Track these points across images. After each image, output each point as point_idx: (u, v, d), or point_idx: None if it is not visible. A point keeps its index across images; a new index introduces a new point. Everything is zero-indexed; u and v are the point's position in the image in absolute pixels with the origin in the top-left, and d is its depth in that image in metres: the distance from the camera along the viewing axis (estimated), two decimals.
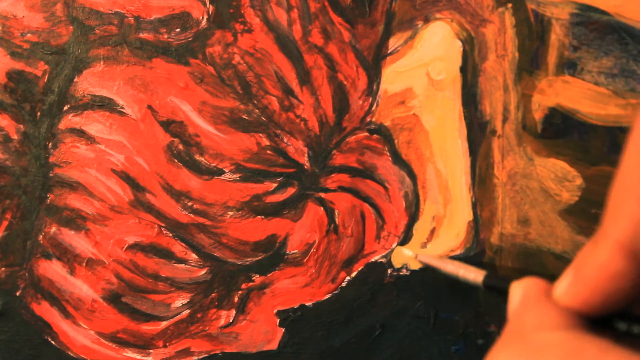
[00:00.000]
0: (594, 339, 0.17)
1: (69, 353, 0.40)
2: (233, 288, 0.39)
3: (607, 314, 0.19)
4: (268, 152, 0.39)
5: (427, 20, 0.39)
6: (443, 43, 0.39)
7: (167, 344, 0.39)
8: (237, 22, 0.39)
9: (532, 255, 0.38)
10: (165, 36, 0.39)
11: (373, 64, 0.39)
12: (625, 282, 0.18)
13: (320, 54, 0.39)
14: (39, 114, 0.40)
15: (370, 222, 0.39)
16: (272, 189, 0.39)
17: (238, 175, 0.39)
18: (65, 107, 0.40)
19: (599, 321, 0.20)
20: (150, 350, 0.40)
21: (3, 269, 0.40)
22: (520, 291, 0.22)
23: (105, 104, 0.39)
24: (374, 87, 0.39)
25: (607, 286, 0.18)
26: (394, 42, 0.39)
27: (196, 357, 0.39)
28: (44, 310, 0.40)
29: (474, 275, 0.32)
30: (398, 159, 0.39)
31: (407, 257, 0.38)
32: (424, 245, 0.39)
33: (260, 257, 0.39)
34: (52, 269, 0.40)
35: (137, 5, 0.40)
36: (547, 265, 0.38)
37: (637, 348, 0.18)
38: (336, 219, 0.39)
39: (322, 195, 0.39)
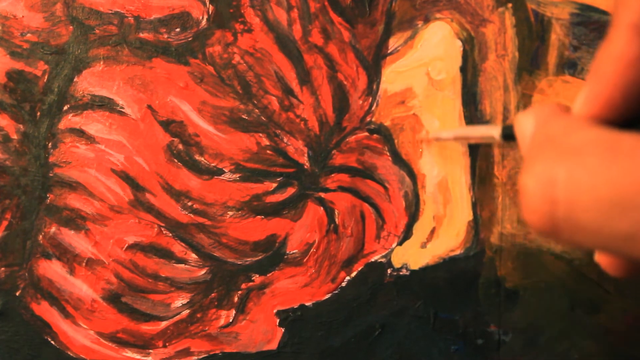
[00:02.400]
0: (629, 132, 0.16)
1: (69, 353, 0.40)
2: (233, 288, 0.39)
3: (633, 117, 0.18)
4: (268, 152, 0.39)
5: (427, 20, 0.39)
6: (443, 43, 0.39)
7: (167, 344, 0.39)
8: (237, 21, 0.39)
9: (532, 255, 0.38)
10: (165, 36, 0.39)
11: (373, 64, 0.39)
12: None
13: (320, 54, 0.39)
14: (38, 113, 0.40)
15: (370, 222, 0.39)
16: (272, 188, 0.39)
17: (238, 175, 0.39)
18: (65, 107, 0.40)
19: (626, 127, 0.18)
20: (150, 350, 0.40)
21: (3, 268, 0.40)
22: (532, 117, 0.20)
23: (105, 104, 0.39)
24: (374, 86, 0.39)
25: (627, 75, 0.17)
26: (394, 42, 0.39)
27: (196, 357, 0.39)
28: (44, 310, 0.40)
29: (489, 130, 0.30)
30: (398, 159, 0.39)
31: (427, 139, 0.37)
32: (423, 245, 0.39)
33: (260, 257, 0.39)
34: (52, 269, 0.40)
35: (136, 5, 0.40)
36: (547, 265, 0.38)
37: None
38: (336, 219, 0.39)
39: (322, 195, 0.39)
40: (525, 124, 0.20)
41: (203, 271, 0.39)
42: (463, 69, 0.39)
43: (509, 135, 0.28)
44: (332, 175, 0.39)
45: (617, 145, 0.16)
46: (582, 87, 0.19)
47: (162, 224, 0.39)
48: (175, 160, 0.39)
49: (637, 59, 0.17)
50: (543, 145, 0.18)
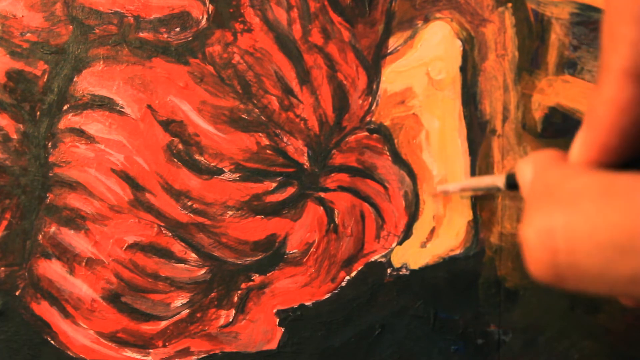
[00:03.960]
0: (625, 173, 0.16)
1: (69, 353, 0.40)
2: (233, 288, 0.39)
3: (630, 158, 0.18)
4: (268, 151, 0.39)
5: (427, 20, 0.39)
6: (443, 43, 0.39)
7: (167, 344, 0.39)
8: (237, 21, 0.39)
9: None
10: (165, 36, 0.39)
11: (373, 64, 0.39)
12: (638, 110, 0.17)
13: (320, 54, 0.39)
14: (38, 113, 0.40)
15: (370, 222, 0.39)
16: (272, 188, 0.39)
17: (238, 175, 0.39)
18: (65, 107, 0.40)
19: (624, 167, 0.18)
20: (150, 350, 0.40)
21: (3, 268, 0.40)
22: (530, 164, 0.20)
23: (104, 104, 0.39)
24: (374, 86, 0.39)
25: (622, 120, 0.17)
26: (393, 42, 0.39)
27: (196, 357, 0.39)
28: (44, 310, 0.40)
29: (494, 180, 0.31)
30: (398, 159, 0.39)
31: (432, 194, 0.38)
32: (423, 245, 0.39)
33: (259, 257, 0.39)
34: (52, 269, 0.40)
35: (136, 4, 0.40)
36: None
37: None
38: (336, 219, 0.39)
39: (322, 194, 0.39)
40: (524, 172, 0.21)
41: (203, 271, 0.39)
42: (463, 69, 0.39)
43: (512, 184, 0.28)
44: (332, 175, 0.39)
45: (613, 187, 0.16)
46: (577, 134, 0.19)
47: (162, 224, 0.39)
48: (175, 160, 0.39)
49: (629, 104, 0.17)
50: (541, 194, 0.18)
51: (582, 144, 0.19)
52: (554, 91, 0.38)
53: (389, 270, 0.39)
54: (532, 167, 0.20)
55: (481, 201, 0.38)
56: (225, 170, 0.39)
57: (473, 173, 0.39)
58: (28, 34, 0.40)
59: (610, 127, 0.18)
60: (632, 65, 0.17)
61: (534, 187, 0.19)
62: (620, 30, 0.17)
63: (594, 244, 0.16)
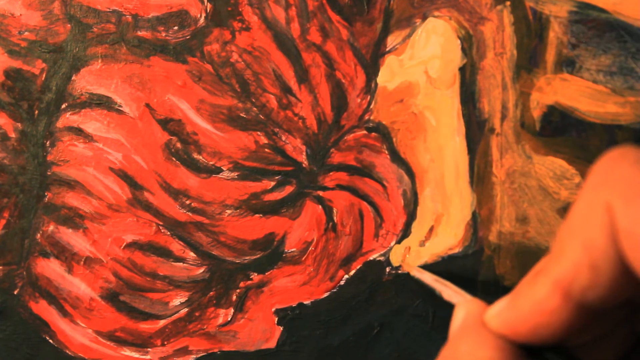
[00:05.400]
0: None
1: (67, 352, 0.39)
2: (231, 286, 0.39)
3: (536, 345, 0.20)
4: (266, 150, 0.39)
5: (425, 18, 0.39)
6: (441, 41, 0.39)
7: (166, 343, 0.39)
8: (235, 20, 0.39)
9: (531, 254, 0.38)
10: (163, 34, 0.39)
11: (371, 62, 0.39)
12: (556, 320, 0.18)
13: (319, 52, 0.39)
14: (36, 112, 0.40)
15: (368, 221, 0.39)
16: (270, 187, 0.39)
17: (236, 174, 0.39)
18: (63, 106, 0.40)
19: (532, 350, 0.20)
20: (149, 349, 0.39)
21: (1, 267, 0.40)
22: (462, 314, 0.22)
23: (103, 102, 0.39)
24: (372, 85, 0.39)
25: (538, 320, 0.19)
26: (392, 40, 0.39)
27: (194, 356, 0.39)
28: (42, 308, 0.40)
29: (452, 297, 0.33)
30: (396, 157, 0.39)
31: (403, 263, 0.39)
32: (422, 244, 0.39)
33: (258, 256, 0.39)
34: (50, 268, 0.40)
35: (134, 3, 0.39)
36: None
37: None
38: (334, 217, 0.39)
39: (321, 193, 0.39)
40: (456, 317, 0.23)
41: (201, 270, 0.39)
42: (461, 67, 0.39)
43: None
44: (331, 173, 0.39)
45: None
46: (501, 302, 0.21)
47: (161, 223, 0.39)
48: (174, 159, 0.39)
49: (551, 311, 0.18)
50: (450, 358, 0.20)
51: (497, 315, 0.20)
52: (553, 89, 0.38)
53: (387, 269, 0.39)
54: (462, 317, 0.22)
55: (480, 199, 0.38)
56: (224, 169, 0.39)
57: (472, 172, 0.39)
58: (26, 33, 0.40)
59: (525, 320, 0.19)
60: (567, 282, 0.18)
61: (448, 347, 0.21)
62: (568, 247, 0.18)
63: None
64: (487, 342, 0.20)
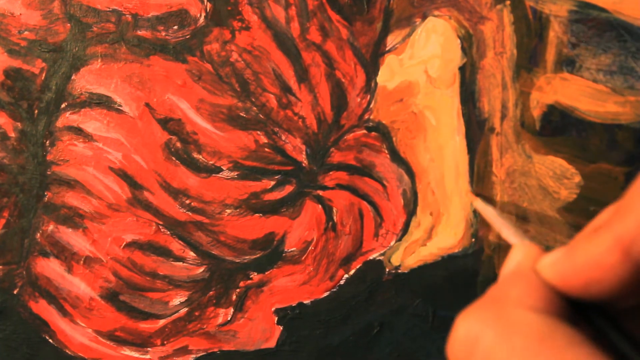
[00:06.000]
0: (566, 330, 0.18)
1: (67, 351, 0.39)
2: (231, 286, 0.39)
3: (585, 302, 0.20)
4: (266, 149, 0.39)
5: (425, 18, 0.39)
6: (441, 40, 0.39)
7: (165, 342, 0.39)
8: (235, 19, 0.39)
9: None
10: (163, 34, 0.39)
11: (371, 62, 0.39)
12: (612, 277, 0.18)
13: (318, 52, 0.39)
14: (36, 111, 0.40)
15: (368, 220, 0.39)
16: (270, 186, 0.39)
17: (236, 173, 0.39)
18: (63, 105, 0.40)
19: (579, 308, 0.20)
20: (149, 349, 0.39)
21: (0, 267, 0.40)
22: (517, 257, 0.22)
23: (102, 102, 0.39)
24: (372, 84, 0.39)
25: (593, 274, 0.19)
26: (392, 40, 0.39)
27: (194, 355, 0.39)
28: (42, 308, 0.40)
29: (509, 236, 0.32)
30: (396, 157, 0.39)
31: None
32: (422, 243, 0.39)
33: (258, 255, 0.39)
34: (50, 267, 0.40)
35: (134, 2, 0.39)
36: None
37: (607, 348, 0.18)
38: (334, 217, 0.39)
39: (320, 193, 0.39)
40: (512, 258, 0.23)
41: (201, 269, 0.39)
42: (461, 67, 0.39)
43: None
44: (330, 173, 0.39)
45: (548, 341, 0.17)
46: (556, 251, 0.21)
47: (160, 222, 0.39)
48: (173, 158, 0.39)
49: (608, 267, 0.18)
50: (492, 303, 0.20)
51: (552, 265, 0.20)
52: (553, 89, 0.38)
53: (387, 269, 0.39)
54: (518, 260, 0.22)
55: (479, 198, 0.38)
56: (224, 168, 0.39)
57: (472, 171, 0.38)
58: (26, 32, 0.40)
59: (580, 273, 0.19)
60: (630, 240, 0.18)
61: (498, 287, 0.21)
62: (636, 205, 0.18)
63: None
64: (536, 291, 0.20)
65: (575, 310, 0.20)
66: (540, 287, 0.20)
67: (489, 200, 0.38)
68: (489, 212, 0.36)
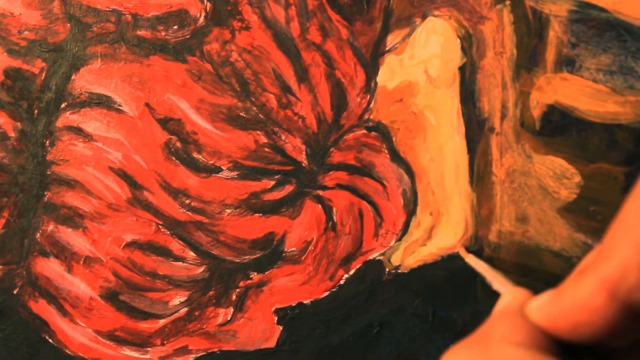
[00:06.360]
0: None
1: (67, 351, 0.39)
2: (231, 286, 0.39)
3: (573, 344, 0.19)
4: (266, 149, 0.39)
5: (425, 17, 0.39)
6: (441, 40, 0.39)
7: (165, 342, 0.39)
8: (235, 19, 0.39)
9: (531, 253, 0.38)
10: (163, 33, 0.39)
11: (371, 62, 0.39)
12: (599, 319, 0.18)
13: (318, 51, 0.39)
14: (36, 111, 0.40)
15: (368, 220, 0.39)
16: (270, 186, 0.39)
17: (236, 173, 0.39)
18: (63, 105, 0.40)
19: (567, 348, 0.20)
20: (148, 349, 0.39)
21: (0, 267, 0.40)
22: (506, 300, 0.23)
23: (102, 102, 0.39)
24: (372, 84, 0.39)
25: (581, 317, 0.19)
26: (392, 40, 0.39)
27: (194, 355, 0.39)
28: (42, 308, 0.40)
29: (499, 287, 0.33)
30: (396, 157, 0.39)
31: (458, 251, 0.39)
32: (422, 243, 0.39)
33: (258, 255, 0.39)
34: (50, 267, 0.40)
35: (134, 2, 0.39)
36: (545, 263, 0.38)
37: None
38: (334, 217, 0.39)
39: (320, 192, 0.39)
40: (502, 300, 0.23)
41: (201, 269, 0.39)
42: (461, 67, 0.39)
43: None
44: (330, 173, 0.39)
45: None
46: (544, 295, 0.21)
47: (160, 222, 0.39)
48: (173, 158, 0.39)
49: (594, 310, 0.18)
50: (479, 340, 0.20)
51: (539, 308, 0.20)
52: (553, 89, 0.38)
53: (387, 269, 0.39)
54: (506, 302, 0.22)
55: (480, 199, 0.38)
56: (224, 168, 0.39)
57: (471, 171, 0.39)
58: (25, 32, 0.40)
59: (567, 315, 0.19)
60: (615, 281, 0.18)
61: (486, 325, 0.21)
62: (618, 246, 0.18)
63: None
64: (523, 328, 0.20)
65: (565, 351, 0.20)
66: (525, 325, 0.20)
67: (479, 255, 0.38)
68: (481, 266, 0.37)
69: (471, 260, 0.37)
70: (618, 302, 0.18)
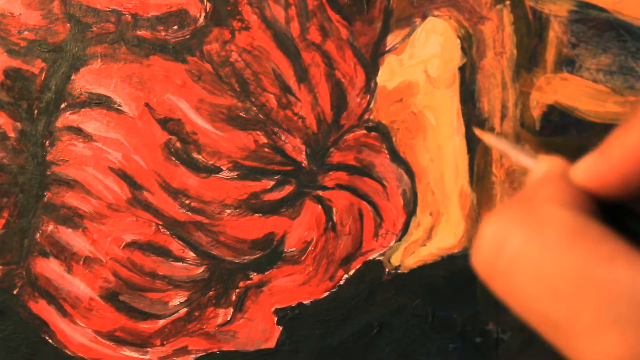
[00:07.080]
0: (599, 225, 0.17)
1: (67, 351, 0.39)
2: (231, 286, 0.39)
3: (622, 202, 0.19)
4: (266, 149, 0.39)
5: (425, 18, 0.39)
6: (441, 40, 0.39)
7: (165, 342, 0.39)
8: (235, 19, 0.39)
9: None
10: (163, 34, 0.39)
11: (371, 62, 0.39)
12: None
13: (318, 52, 0.39)
14: (36, 111, 0.39)
15: (368, 220, 0.39)
16: (270, 186, 0.39)
17: (235, 173, 0.39)
18: (63, 105, 0.40)
19: (611, 213, 0.19)
20: (148, 349, 0.39)
21: (0, 267, 0.40)
22: (543, 168, 0.21)
23: (102, 102, 0.39)
24: (372, 84, 0.39)
25: (631, 167, 0.18)
26: (391, 40, 0.39)
27: (194, 356, 0.39)
28: (41, 308, 0.40)
29: (526, 161, 0.32)
30: (396, 157, 0.39)
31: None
32: (422, 243, 0.39)
33: (257, 255, 0.39)
34: (50, 267, 0.40)
35: (134, 2, 0.39)
36: None
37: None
38: (334, 217, 0.39)
39: (320, 193, 0.39)
40: (536, 169, 0.22)
41: (201, 269, 0.39)
42: (461, 67, 0.39)
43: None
44: (330, 173, 0.39)
45: (581, 234, 0.16)
46: (588, 156, 0.19)
47: (160, 222, 0.39)
48: (173, 158, 0.39)
49: None
50: (522, 202, 0.19)
51: (586, 167, 0.19)
52: (552, 89, 0.38)
53: (387, 269, 0.39)
54: (544, 169, 0.21)
55: (480, 199, 0.38)
56: (223, 168, 0.39)
57: (471, 171, 0.38)
58: (25, 32, 0.40)
59: (617, 168, 0.18)
60: None
61: (526, 191, 0.19)
62: None
63: (535, 273, 0.16)
64: (567, 190, 0.19)
65: (609, 217, 0.19)
66: (571, 187, 0.19)
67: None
68: (502, 144, 0.36)
69: (490, 139, 0.36)
70: None
